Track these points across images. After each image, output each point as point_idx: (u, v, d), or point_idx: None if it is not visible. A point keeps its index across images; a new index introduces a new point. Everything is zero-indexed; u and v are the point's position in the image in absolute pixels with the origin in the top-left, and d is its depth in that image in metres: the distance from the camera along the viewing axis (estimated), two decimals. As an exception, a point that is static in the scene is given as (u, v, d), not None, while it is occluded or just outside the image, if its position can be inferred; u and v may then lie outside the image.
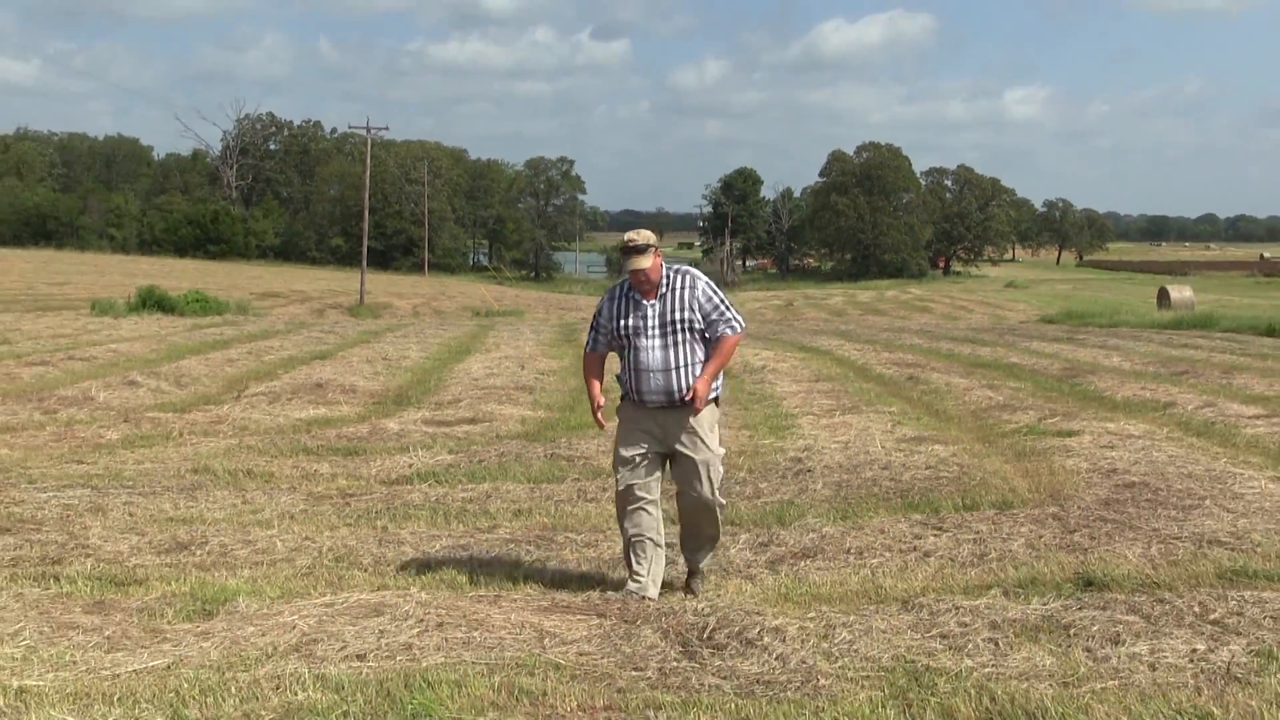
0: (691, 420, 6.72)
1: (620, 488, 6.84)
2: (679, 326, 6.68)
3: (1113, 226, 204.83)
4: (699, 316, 6.68)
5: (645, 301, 6.70)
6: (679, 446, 6.74)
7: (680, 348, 6.67)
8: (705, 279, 6.80)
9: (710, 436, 6.78)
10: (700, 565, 7.04)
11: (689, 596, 6.78)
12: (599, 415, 7.02)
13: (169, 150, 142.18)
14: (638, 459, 6.77)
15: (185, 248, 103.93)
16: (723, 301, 6.76)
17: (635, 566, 6.80)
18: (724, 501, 7.02)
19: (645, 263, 6.63)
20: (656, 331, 6.68)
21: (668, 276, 6.73)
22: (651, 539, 6.77)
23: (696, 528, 6.93)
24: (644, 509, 6.77)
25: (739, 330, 6.78)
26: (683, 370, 6.68)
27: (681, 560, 7.24)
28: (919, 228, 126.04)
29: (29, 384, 16.26)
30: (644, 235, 6.71)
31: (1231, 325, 32.55)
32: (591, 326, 7.01)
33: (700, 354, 6.72)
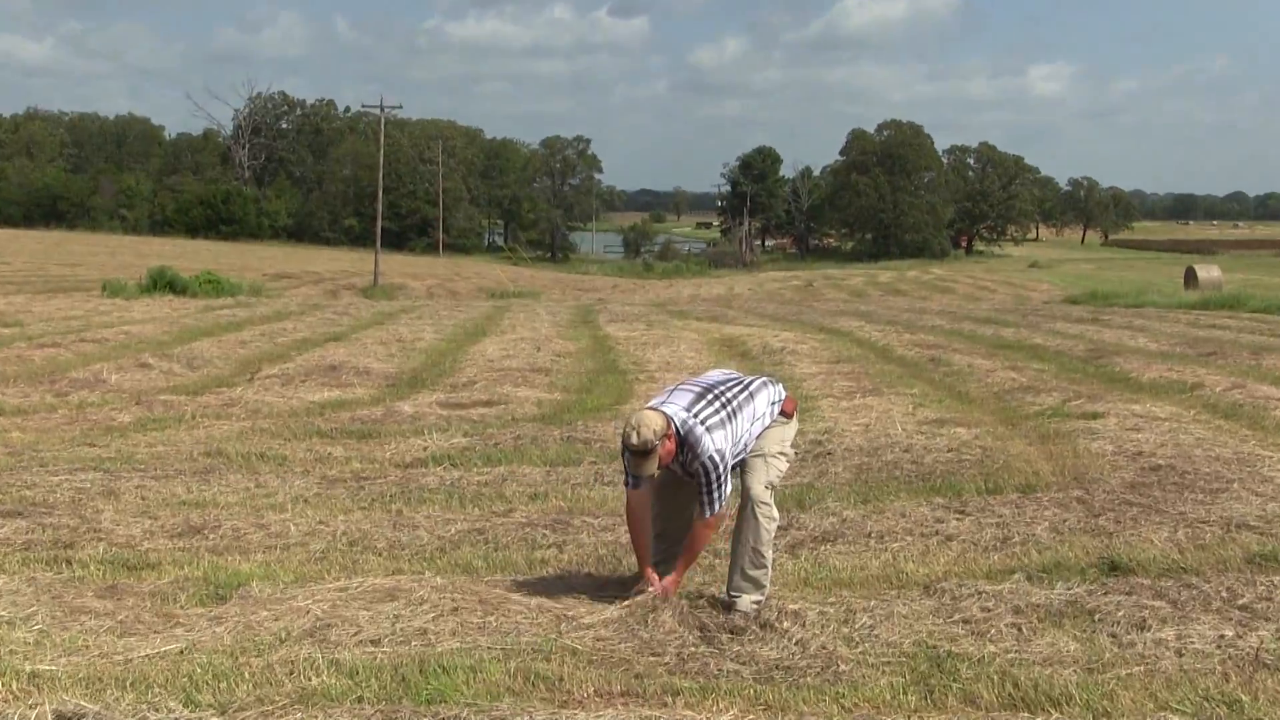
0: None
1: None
2: (687, 483, 6.33)
3: (1138, 205, 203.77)
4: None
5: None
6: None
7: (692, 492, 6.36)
8: (708, 457, 6.09)
9: (770, 438, 6.41)
10: (732, 592, 6.30)
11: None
12: (650, 575, 6.38)
13: (180, 130, 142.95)
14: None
15: (197, 228, 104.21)
16: (709, 482, 6.12)
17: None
18: (773, 517, 6.36)
19: (651, 467, 6.07)
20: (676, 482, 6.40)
21: (681, 446, 6.12)
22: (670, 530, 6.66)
23: (740, 531, 6.38)
24: (670, 508, 6.59)
25: (709, 516, 6.17)
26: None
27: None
28: (940, 207, 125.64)
29: (40, 366, 16.33)
30: (643, 434, 5.98)
31: (1260, 305, 32.32)
32: (625, 468, 6.35)
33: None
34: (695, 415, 6.16)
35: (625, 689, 5.17)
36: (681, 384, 6.56)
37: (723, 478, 6.15)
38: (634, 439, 6.00)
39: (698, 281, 73.67)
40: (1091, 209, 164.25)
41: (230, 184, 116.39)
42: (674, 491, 6.51)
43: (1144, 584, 6.58)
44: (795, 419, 6.66)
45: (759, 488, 6.33)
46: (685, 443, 6.11)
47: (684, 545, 6.37)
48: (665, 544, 6.59)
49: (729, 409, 6.25)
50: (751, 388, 6.45)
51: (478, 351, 18.99)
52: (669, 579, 6.35)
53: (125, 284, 34.94)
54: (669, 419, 6.09)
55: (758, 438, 6.40)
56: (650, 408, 6.22)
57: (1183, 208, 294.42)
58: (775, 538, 6.55)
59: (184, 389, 14.65)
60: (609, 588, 6.54)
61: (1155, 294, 39.70)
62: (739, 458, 6.32)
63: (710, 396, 6.29)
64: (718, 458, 6.11)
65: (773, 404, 6.48)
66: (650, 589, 6.30)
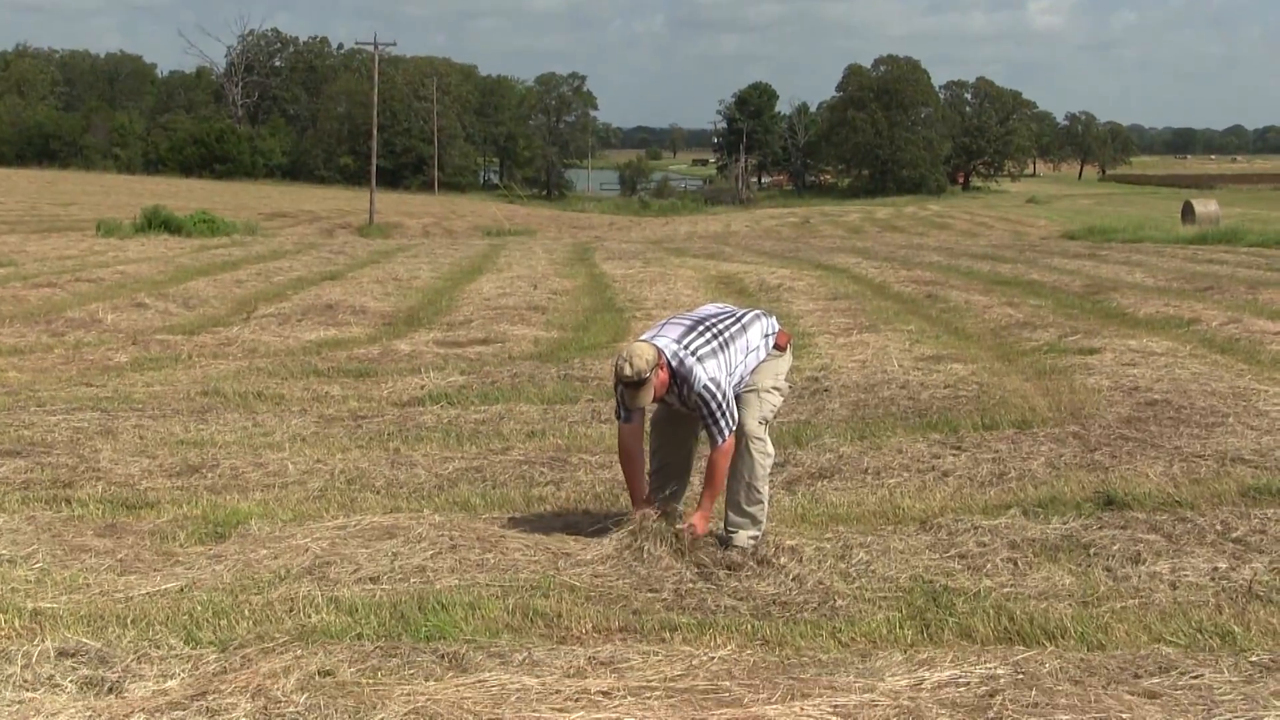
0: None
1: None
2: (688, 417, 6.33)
3: (1136, 140, 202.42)
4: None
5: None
6: None
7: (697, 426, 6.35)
8: (703, 387, 6.06)
9: (764, 372, 6.39)
10: (728, 528, 6.32)
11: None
12: (642, 501, 6.41)
13: (172, 68, 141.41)
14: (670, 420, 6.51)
15: (191, 167, 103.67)
16: (711, 411, 6.09)
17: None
18: (768, 452, 6.37)
19: (646, 399, 6.06)
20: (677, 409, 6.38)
21: (674, 377, 6.11)
22: (671, 464, 6.67)
23: (735, 466, 6.34)
24: (670, 443, 6.59)
25: (720, 443, 6.15)
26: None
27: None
28: (938, 143, 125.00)
29: (36, 306, 16.30)
30: (636, 365, 5.95)
31: (1258, 240, 32.25)
32: (618, 400, 6.32)
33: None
34: (686, 347, 6.14)
35: (623, 625, 5.20)
36: (673, 318, 6.56)
37: (724, 404, 6.12)
38: (626, 370, 5.99)
39: (694, 219, 73.44)
40: (1089, 144, 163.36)
41: (224, 122, 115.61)
42: (673, 426, 6.51)
43: (1139, 518, 6.62)
44: (789, 353, 6.64)
45: (752, 423, 6.32)
46: (678, 374, 6.11)
47: (704, 480, 6.36)
48: (664, 479, 6.58)
49: (720, 340, 6.24)
50: (744, 320, 6.44)
51: (474, 290, 18.97)
52: (697, 516, 6.29)
53: (120, 223, 34.78)
54: (660, 351, 6.08)
55: (752, 372, 6.39)
56: (642, 340, 6.22)
57: (1181, 142, 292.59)
58: (772, 474, 6.57)
59: (180, 328, 14.63)
60: (607, 525, 6.56)
61: (1153, 229, 39.57)
62: (735, 390, 6.33)
63: (701, 328, 6.28)
64: (713, 386, 6.09)
65: (766, 336, 6.46)
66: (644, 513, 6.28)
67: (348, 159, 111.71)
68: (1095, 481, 7.47)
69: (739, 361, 6.30)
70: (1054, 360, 11.82)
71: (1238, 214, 52.75)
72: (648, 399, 6.09)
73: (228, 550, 6.17)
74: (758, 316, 6.54)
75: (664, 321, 6.54)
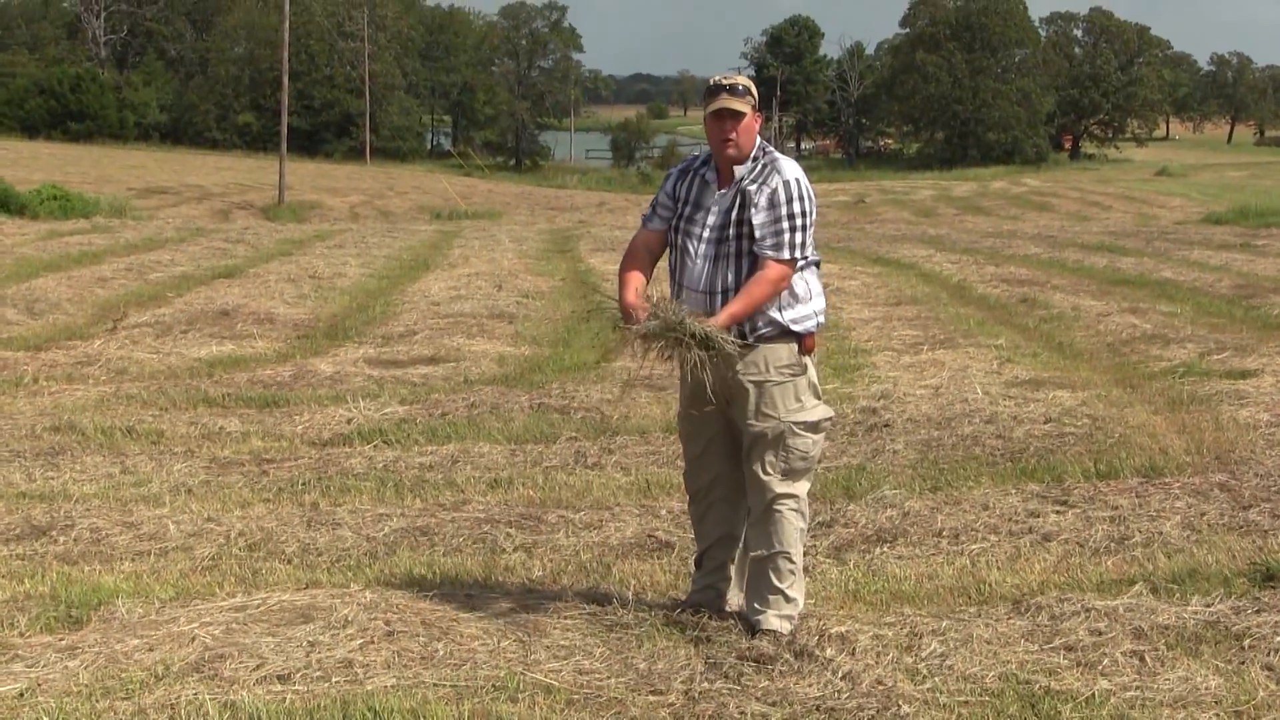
0: (755, 373, 6.18)
1: (686, 467, 6.57)
2: (736, 231, 6.21)
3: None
4: (755, 223, 6.18)
5: (718, 189, 6.31)
6: (735, 409, 6.25)
7: (728, 262, 6.20)
8: (794, 179, 6.25)
9: (783, 397, 6.21)
10: (755, 608, 6.32)
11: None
12: (628, 302, 6.30)
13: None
14: (703, 425, 6.34)
15: (36, 126, 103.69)
16: (795, 212, 6.18)
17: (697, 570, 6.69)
18: (801, 511, 6.34)
19: (739, 105, 6.28)
20: (711, 234, 6.26)
21: (756, 159, 6.35)
22: (728, 534, 6.52)
23: (754, 538, 6.31)
24: (718, 498, 6.48)
25: (787, 258, 6.14)
26: (727, 297, 6.18)
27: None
28: (1037, 96, 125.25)
29: None
30: (736, 79, 6.38)
31: None
32: (653, 201, 6.58)
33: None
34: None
35: (616, 739, 5.20)
36: None
37: (808, 216, 6.25)
38: (724, 78, 6.32)
39: (712, 197, 73.57)
40: (1242, 96, 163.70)
41: (81, 66, 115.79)
42: (707, 441, 6.42)
43: (1309, 598, 6.62)
44: (812, 363, 6.42)
45: (774, 476, 6.23)
46: (767, 148, 6.38)
47: (747, 287, 6.18)
48: (706, 517, 6.49)
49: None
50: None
51: (419, 291, 19.00)
52: (716, 317, 6.08)
53: (-59, 202, 34.83)
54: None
55: (763, 401, 6.21)
56: None
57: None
58: (814, 535, 6.57)
59: (22, 342, 14.64)
60: (593, 603, 6.56)
61: (1327, 211, 39.61)
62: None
63: None
64: (803, 186, 6.27)
65: (820, 310, 6.40)
66: (631, 325, 6.13)
67: (249, 117, 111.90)
68: (1250, 549, 7.48)
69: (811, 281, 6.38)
70: (1193, 386, 11.83)
71: None
72: (738, 106, 6.28)
73: (86, 640, 6.15)
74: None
75: None
